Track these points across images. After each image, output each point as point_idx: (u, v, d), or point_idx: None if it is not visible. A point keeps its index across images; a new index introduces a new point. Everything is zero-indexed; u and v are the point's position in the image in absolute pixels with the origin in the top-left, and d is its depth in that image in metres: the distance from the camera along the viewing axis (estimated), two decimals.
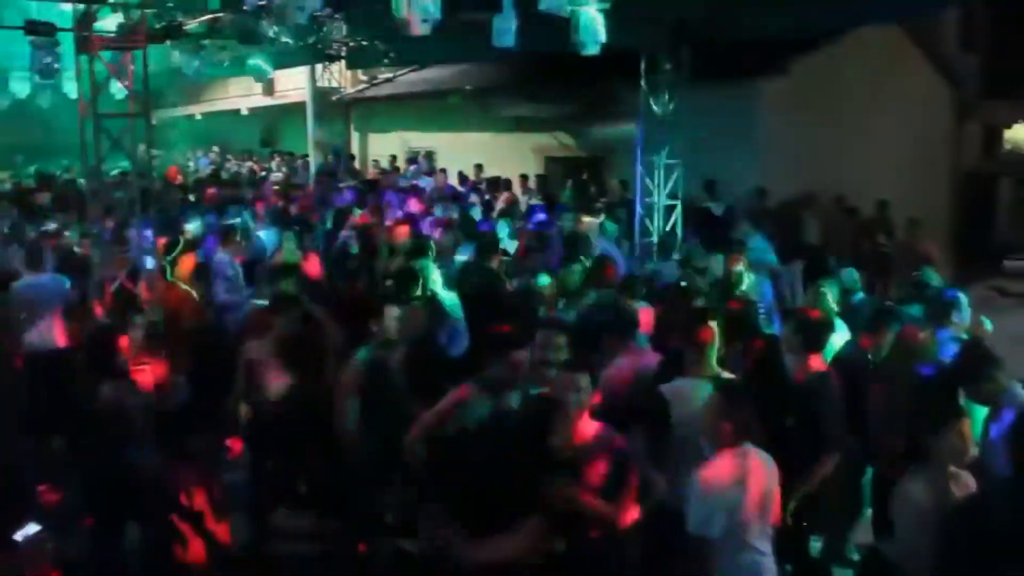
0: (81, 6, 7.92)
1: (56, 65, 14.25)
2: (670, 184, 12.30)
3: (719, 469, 4.28)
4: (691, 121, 12.04)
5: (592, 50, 10.59)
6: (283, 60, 18.46)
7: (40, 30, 8.45)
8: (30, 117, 25.36)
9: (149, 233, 8.70)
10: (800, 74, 14.08)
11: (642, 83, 11.98)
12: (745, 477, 4.31)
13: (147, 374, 6.08)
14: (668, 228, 12.31)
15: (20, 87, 18.18)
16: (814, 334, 5.62)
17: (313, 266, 9.49)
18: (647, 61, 11.90)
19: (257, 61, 16.58)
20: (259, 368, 6.26)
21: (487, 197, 14.94)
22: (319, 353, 6.32)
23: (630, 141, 12.45)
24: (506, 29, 10.22)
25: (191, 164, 25.67)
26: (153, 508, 4.98)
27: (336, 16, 16.86)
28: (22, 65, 16.34)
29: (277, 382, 6.20)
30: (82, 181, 10.58)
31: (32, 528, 5.08)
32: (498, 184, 15.56)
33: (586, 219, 10.13)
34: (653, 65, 11.92)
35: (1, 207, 14.02)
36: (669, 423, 4.91)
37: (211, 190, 16.45)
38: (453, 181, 17.05)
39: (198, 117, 31.10)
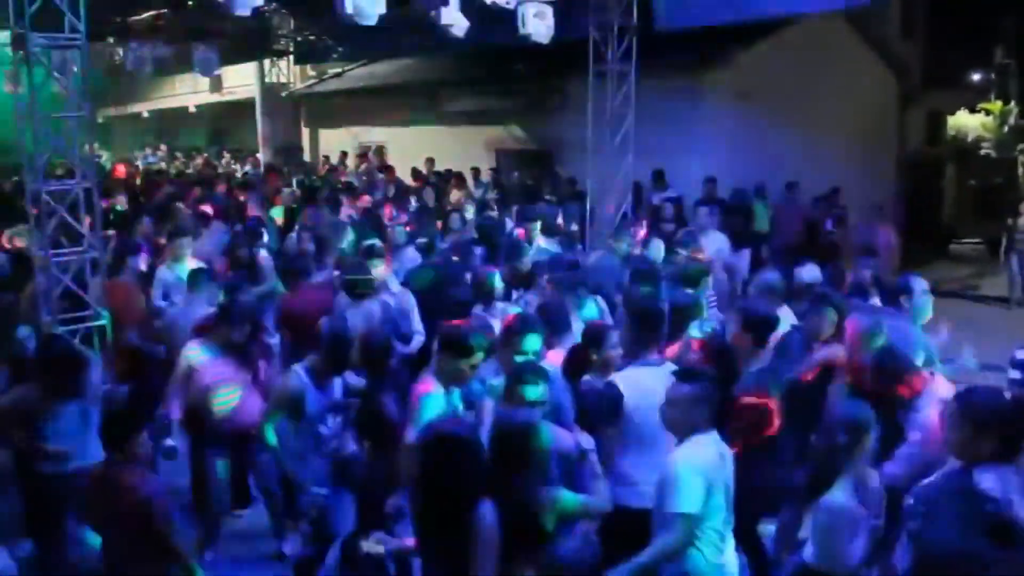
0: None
1: None
2: (620, 175, 12.35)
3: (700, 449, 4.23)
4: (640, 112, 12.10)
5: (541, 41, 10.65)
6: (230, 56, 18.30)
7: None
8: None
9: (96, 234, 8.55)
10: (746, 64, 14.23)
11: (590, 75, 12.01)
12: (721, 459, 4.32)
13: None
14: (617, 219, 12.35)
15: None
16: (760, 330, 5.65)
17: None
18: (594, 53, 11.94)
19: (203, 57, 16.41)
20: (200, 372, 6.19)
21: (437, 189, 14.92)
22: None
23: (581, 133, 12.47)
24: (455, 23, 10.22)
25: (139, 163, 25.32)
26: (99, 513, 4.90)
27: (282, 11, 16.79)
28: None
29: (219, 386, 6.17)
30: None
31: None
32: (449, 179, 15.52)
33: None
34: (600, 57, 11.96)
35: None
36: (621, 414, 4.89)
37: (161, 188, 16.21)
38: (403, 175, 16.95)
39: (145, 115, 30.73)
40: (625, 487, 4.82)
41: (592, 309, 6.98)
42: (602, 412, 4.95)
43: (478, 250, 9.46)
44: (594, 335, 5.51)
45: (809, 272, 7.65)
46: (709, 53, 14.06)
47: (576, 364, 5.42)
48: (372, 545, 4.41)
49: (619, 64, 11.97)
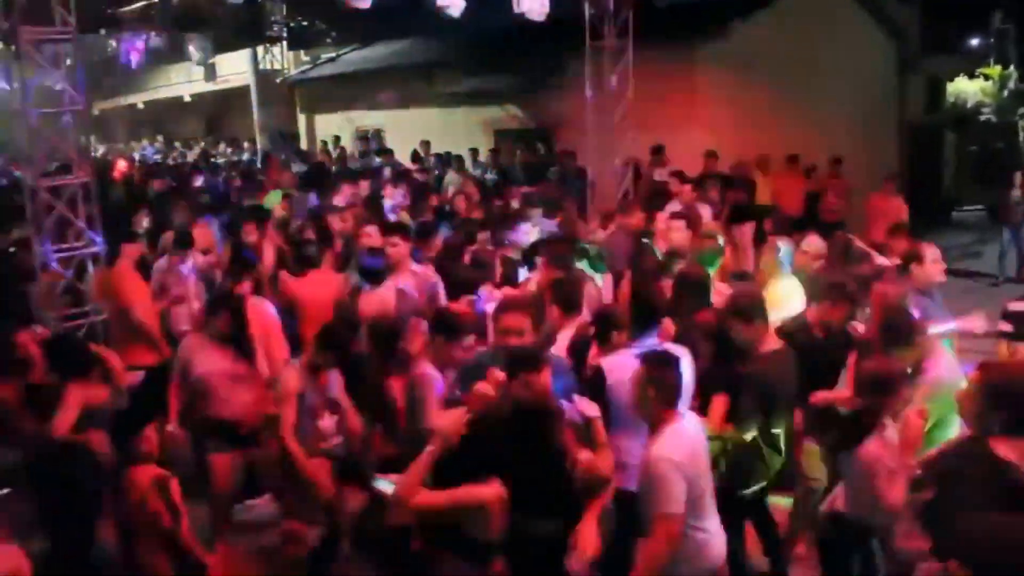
0: None
1: None
2: (620, 151, 12.30)
3: (675, 440, 4.17)
4: (638, 87, 12.04)
5: (536, 19, 10.59)
6: (223, 44, 18.21)
7: None
8: None
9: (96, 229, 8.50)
10: (744, 34, 14.11)
11: (587, 51, 11.93)
12: (696, 447, 4.27)
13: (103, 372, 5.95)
14: (620, 195, 12.30)
15: None
16: (756, 316, 5.50)
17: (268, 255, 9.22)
18: (591, 28, 11.86)
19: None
20: (195, 364, 6.11)
21: (437, 173, 14.86)
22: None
23: (580, 111, 12.40)
24: (450, 3, 10.16)
25: (136, 155, 25.23)
26: (111, 510, 4.88)
27: None
28: None
29: (214, 378, 6.09)
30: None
31: None
32: (448, 161, 15.42)
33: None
34: (597, 32, 11.88)
35: None
36: (603, 398, 4.79)
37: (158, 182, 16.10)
38: (402, 159, 16.87)
39: (140, 106, 30.61)
40: (619, 471, 4.76)
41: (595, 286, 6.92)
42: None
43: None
44: (605, 317, 5.45)
45: (812, 244, 7.57)
46: (706, 25, 13.95)
47: (584, 345, 5.34)
48: (383, 484, 4.37)
49: (616, 40, 11.90)
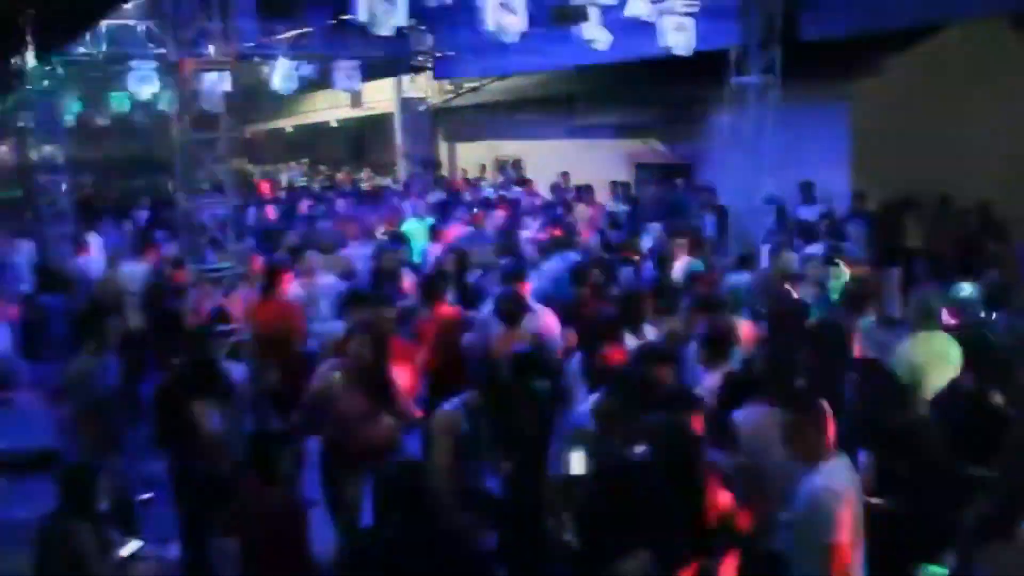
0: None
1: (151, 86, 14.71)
2: (763, 188, 12.03)
3: (834, 475, 4.03)
4: (783, 122, 11.76)
5: (681, 53, 10.49)
6: (370, 72, 18.71)
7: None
8: (132, 132, 26.45)
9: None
10: (896, 72, 13.66)
11: (732, 86, 11.73)
12: (852, 483, 4.12)
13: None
14: (762, 235, 12.00)
15: (120, 104, 18.99)
16: (899, 397, 5.21)
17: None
18: (736, 63, 11.66)
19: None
20: (335, 393, 6.16)
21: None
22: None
23: (722, 146, 12.21)
24: (597, 37, 10.15)
25: (283, 177, 26.12)
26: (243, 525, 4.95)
27: (422, 28, 17.08)
28: (121, 85, 16.98)
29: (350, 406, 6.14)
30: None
31: (135, 544, 5.17)
32: (579, 194, 15.36)
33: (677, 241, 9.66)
34: (742, 67, 11.67)
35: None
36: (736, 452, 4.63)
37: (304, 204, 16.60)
38: (543, 189, 16.93)
39: (288, 130, 31.66)
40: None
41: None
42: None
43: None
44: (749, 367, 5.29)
45: (966, 289, 7.21)
46: (857, 61, 13.56)
47: (733, 394, 5.18)
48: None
49: (761, 76, 11.66)
